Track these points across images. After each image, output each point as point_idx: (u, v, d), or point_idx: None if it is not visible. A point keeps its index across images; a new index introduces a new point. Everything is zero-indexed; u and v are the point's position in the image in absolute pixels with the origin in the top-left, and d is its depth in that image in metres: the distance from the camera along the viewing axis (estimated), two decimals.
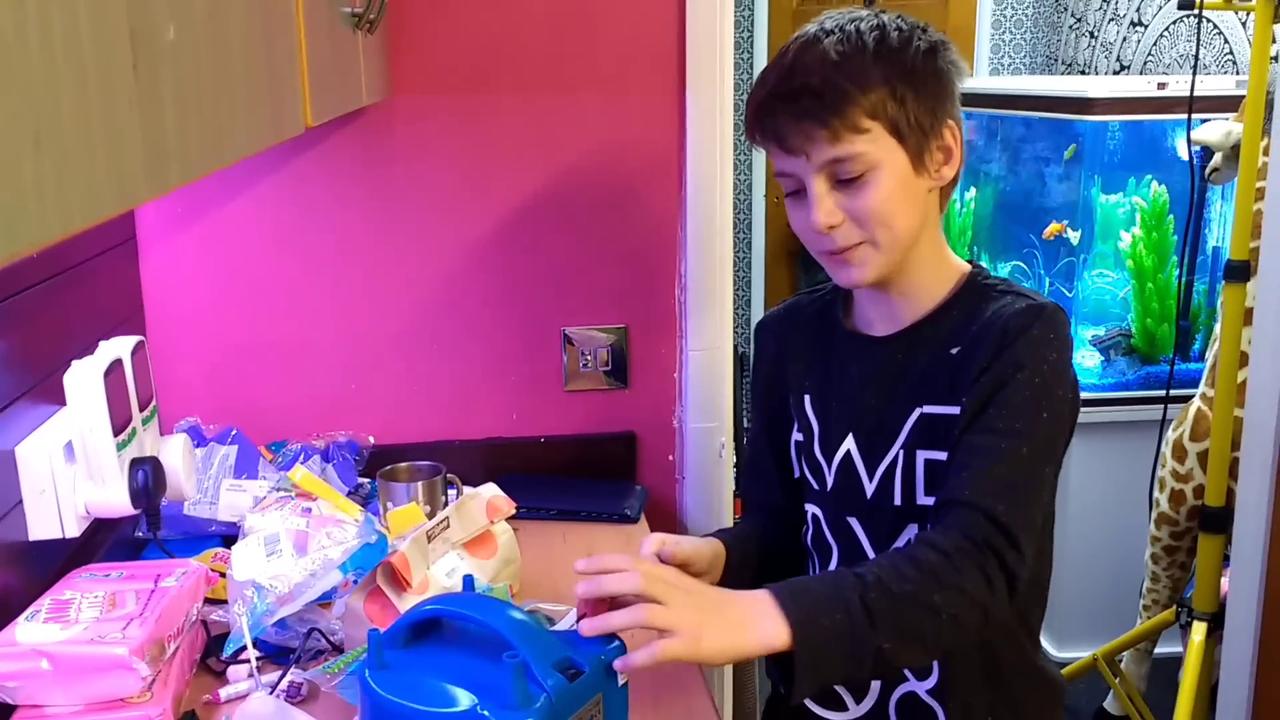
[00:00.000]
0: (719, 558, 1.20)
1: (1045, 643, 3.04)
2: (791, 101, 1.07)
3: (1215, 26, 2.92)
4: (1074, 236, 2.99)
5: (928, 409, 1.12)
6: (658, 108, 1.79)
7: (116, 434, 1.26)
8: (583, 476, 1.86)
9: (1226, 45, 2.89)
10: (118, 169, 0.48)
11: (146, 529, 1.43)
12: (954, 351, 1.11)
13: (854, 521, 1.19)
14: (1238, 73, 2.74)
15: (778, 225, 4.75)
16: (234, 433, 1.66)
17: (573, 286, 1.83)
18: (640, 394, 1.88)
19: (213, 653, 1.31)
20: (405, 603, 1.30)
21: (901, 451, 1.14)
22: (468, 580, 1.07)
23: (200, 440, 1.64)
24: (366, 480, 1.73)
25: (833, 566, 1.22)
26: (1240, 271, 2.31)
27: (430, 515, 1.47)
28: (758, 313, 4.87)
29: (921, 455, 1.13)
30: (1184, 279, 2.66)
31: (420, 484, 1.60)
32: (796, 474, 1.27)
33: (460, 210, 1.79)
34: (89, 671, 1.09)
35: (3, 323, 1.24)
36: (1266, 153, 2.15)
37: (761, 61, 4.64)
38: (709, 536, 1.24)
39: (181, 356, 1.77)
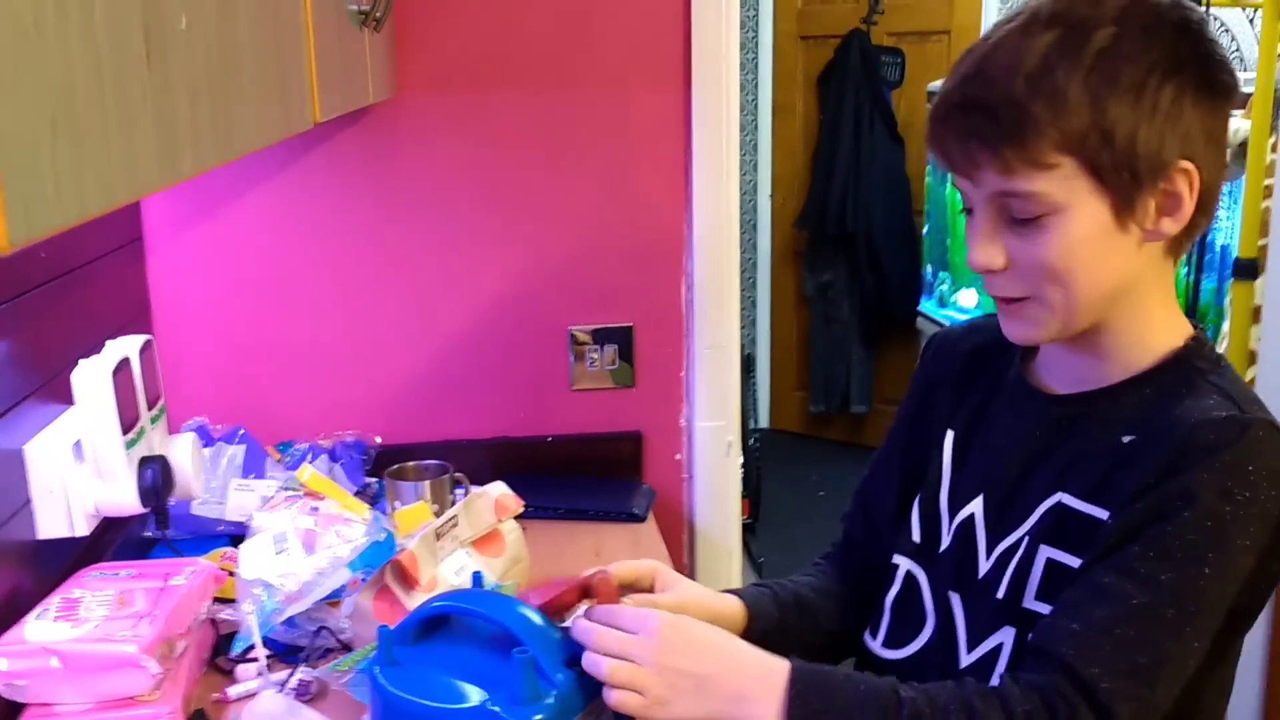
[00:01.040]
0: (720, 617, 1.02)
1: None
2: (963, 113, 0.87)
3: (1223, 24, 2.92)
4: None
5: (1067, 500, 0.91)
6: (663, 105, 1.79)
7: (125, 433, 1.26)
8: (589, 476, 1.86)
9: (1234, 43, 2.89)
10: (132, 157, 0.48)
11: (155, 528, 1.43)
12: (1125, 440, 0.90)
13: (956, 599, 1.00)
14: (1245, 70, 2.74)
15: (783, 227, 4.74)
16: (241, 432, 1.66)
17: (579, 285, 1.83)
18: (647, 393, 1.88)
19: (221, 651, 1.31)
20: (414, 601, 1.30)
21: (1027, 538, 0.93)
22: (477, 577, 1.07)
23: (208, 440, 1.64)
24: (374, 480, 1.73)
25: (917, 646, 1.03)
26: (1248, 269, 2.31)
27: (438, 514, 1.47)
28: (764, 315, 4.86)
29: (1045, 552, 0.92)
30: (1192, 277, 2.66)
31: (428, 483, 1.60)
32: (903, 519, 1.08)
33: (466, 208, 1.79)
34: (99, 670, 1.09)
35: (10, 322, 1.25)
36: (1275, 150, 2.15)
37: (766, 60, 4.64)
38: (756, 588, 1.10)
39: (189, 357, 1.77)
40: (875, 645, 1.07)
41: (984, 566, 0.98)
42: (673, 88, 1.79)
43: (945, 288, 3.88)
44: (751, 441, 3.49)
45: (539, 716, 0.88)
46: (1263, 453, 0.84)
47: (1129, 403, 0.92)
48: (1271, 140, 2.22)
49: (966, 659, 0.97)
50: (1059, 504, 0.92)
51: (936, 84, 3.86)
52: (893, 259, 4.40)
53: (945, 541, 1.02)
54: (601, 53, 1.77)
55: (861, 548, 1.15)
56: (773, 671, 0.88)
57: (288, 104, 0.84)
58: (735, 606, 1.06)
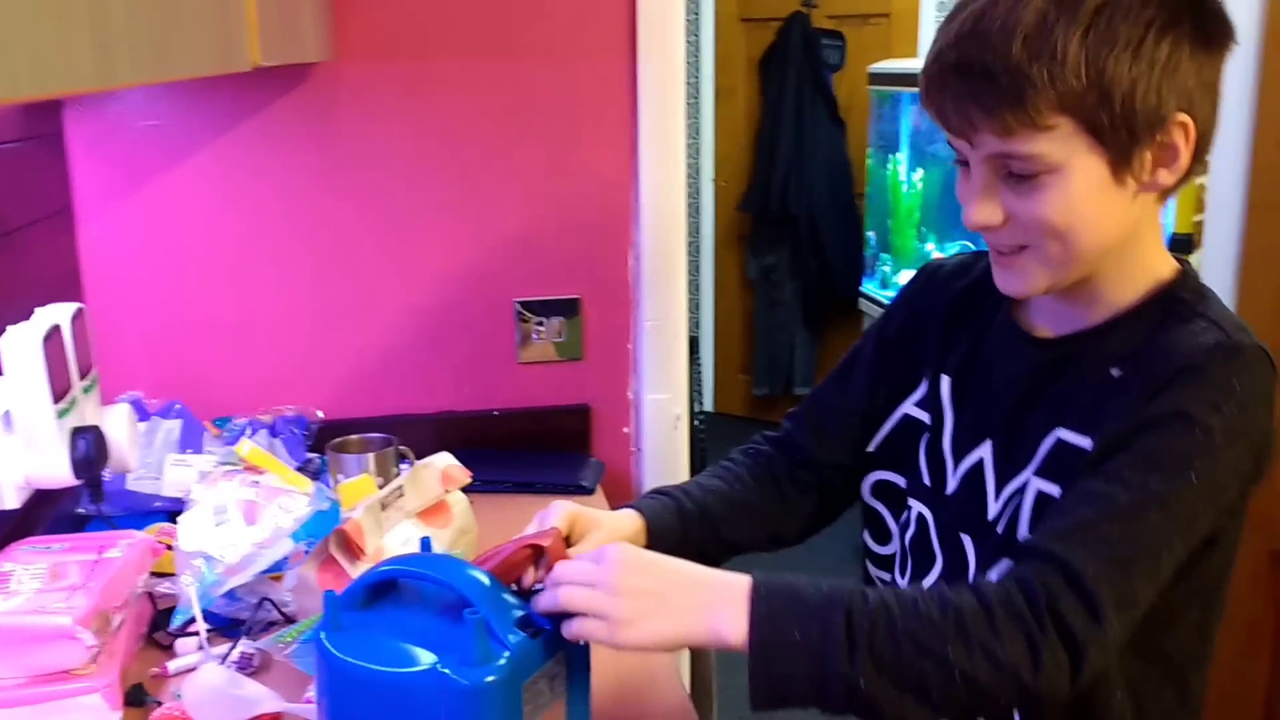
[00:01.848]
0: (621, 533, 1.04)
1: None
2: (960, 75, 0.86)
3: None
4: None
5: (1064, 434, 0.93)
6: (609, 75, 1.77)
7: (56, 401, 1.21)
8: (537, 449, 1.84)
9: None
10: (65, 47, 0.46)
11: (89, 502, 1.39)
12: (1114, 373, 0.91)
13: (967, 539, 1.01)
14: None
15: (726, 210, 4.75)
16: (177, 407, 1.62)
17: (525, 257, 1.81)
18: (594, 366, 1.87)
19: (160, 626, 1.27)
20: (359, 571, 1.27)
21: (1033, 476, 0.95)
22: (425, 542, 1.05)
23: (143, 415, 1.59)
24: (316, 455, 1.70)
25: (929, 582, 1.04)
26: (1184, 244, 2.35)
27: (383, 488, 1.44)
28: (708, 298, 4.87)
29: (1036, 484, 0.94)
30: None
31: (372, 456, 1.57)
32: (875, 448, 1.11)
33: (409, 180, 1.76)
34: (32, 642, 1.06)
35: None
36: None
37: (708, 43, 4.64)
38: (657, 499, 1.11)
39: (123, 329, 1.72)
40: (901, 581, 1.09)
41: (993, 509, 0.99)
42: (618, 58, 1.77)
43: (887, 269, 3.91)
44: (696, 424, 3.49)
45: (491, 677, 0.87)
46: (1250, 373, 0.86)
47: (1117, 339, 0.94)
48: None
49: None
50: (1058, 440, 0.94)
51: (877, 65, 3.90)
52: (835, 241, 4.43)
53: (952, 485, 1.03)
54: (547, 22, 1.74)
55: (802, 451, 1.16)
56: (734, 581, 0.87)
57: (226, 40, 0.81)
58: (636, 524, 1.07)
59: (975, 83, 0.85)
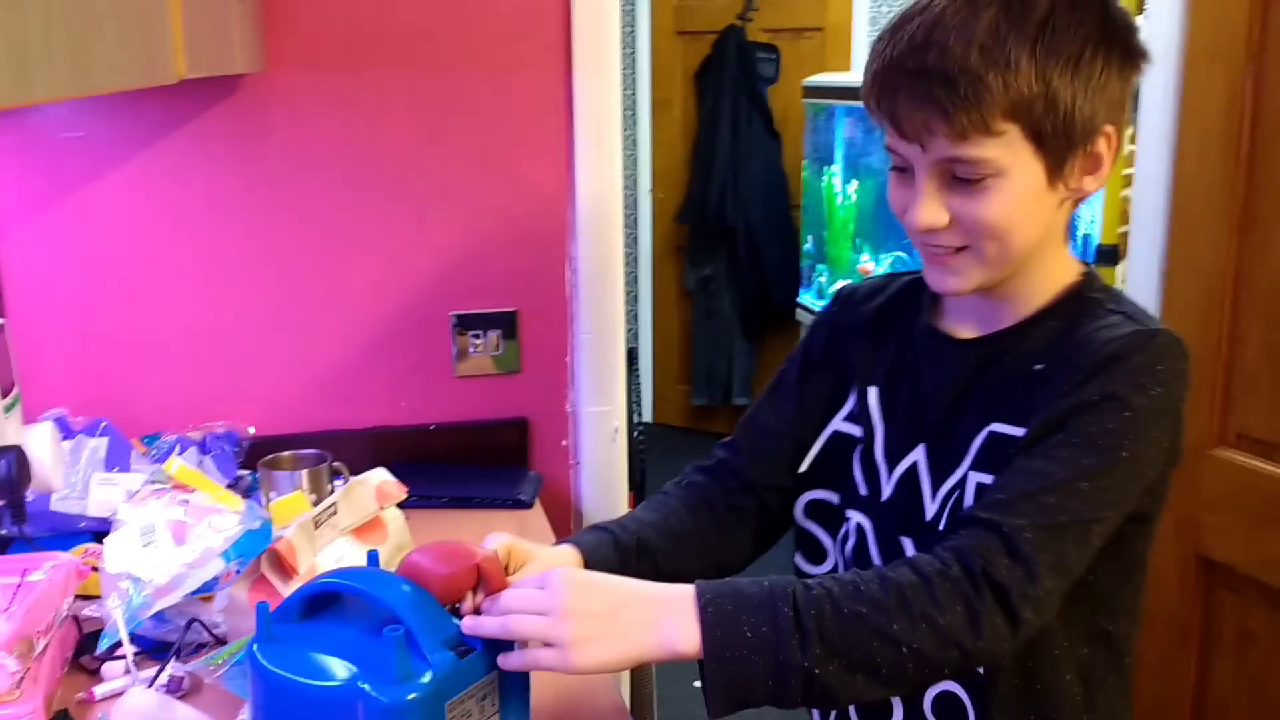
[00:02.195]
0: (557, 564, 1.02)
1: None
2: (917, 80, 0.89)
3: None
4: None
5: (997, 427, 0.97)
6: (545, 87, 1.77)
7: None
8: (475, 463, 1.83)
9: None
10: None
11: (11, 524, 1.35)
12: (1037, 368, 0.96)
13: (907, 541, 1.03)
14: None
15: (664, 222, 4.77)
16: (104, 425, 1.58)
17: (461, 269, 1.80)
18: (532, 379, 1.86)
19: (86, 650, 1.24)
20: (291, 590, 1.25)
21: (970, 471, 0.98)
22: (372, 556, 1.04)
23: (67, 432, 1.55)
24: (247, 473, 1.67)
25: None
26: (1110, 255, 2.41)
27: (316, 505, 1.42)
28: (646, 309, 4.88)
29: (973, 478, 0.97)
30: None
31: (305, 472, 1.55)
32: (807, 467, 1.13)
33: (342, 192, 1.74)
34: None
35: None
36: (1132, 141, 2.24)
37: (644, 55, 4.65)
38: (595, 533, 1.10)
39: (45, 345, 1.68)
40: None
41: (931, 509, 1.02)
42: (555, 70, 1.77)
43: (824, 279, 3.95)
44: (635, 435, 3.49)
45: (411, 695, 0.86)
46: (1168, 354, 0.92)
47: (1036, 335, 0.99)
48: (1130, 131, 2.31)
49: None
50: (991, 433, 0.98)
51: (811, 79, 3.94)
52: (771, 252, 4.46)
53: (887, 492, 1.06)
54: (482, 33, 1.74)
55: (737, 476, 1.16)
56: (679, 592, 0.88)
57: (151, 52, 0.80)
58: (573, 558, 1.06)
59: (934, 88, 0.88)
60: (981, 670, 0.96)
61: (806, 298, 4.01)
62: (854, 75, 4.19)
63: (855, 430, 1.10)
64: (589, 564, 1.05)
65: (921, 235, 0.96)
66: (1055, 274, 1.00)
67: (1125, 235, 2.26)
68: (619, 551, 1.09)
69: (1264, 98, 1.64)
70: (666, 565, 1.11)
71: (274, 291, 1.75)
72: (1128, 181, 2.34)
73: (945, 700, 1.02)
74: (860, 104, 3.33)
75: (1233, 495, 1.70)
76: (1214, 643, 1.75)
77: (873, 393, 1.09)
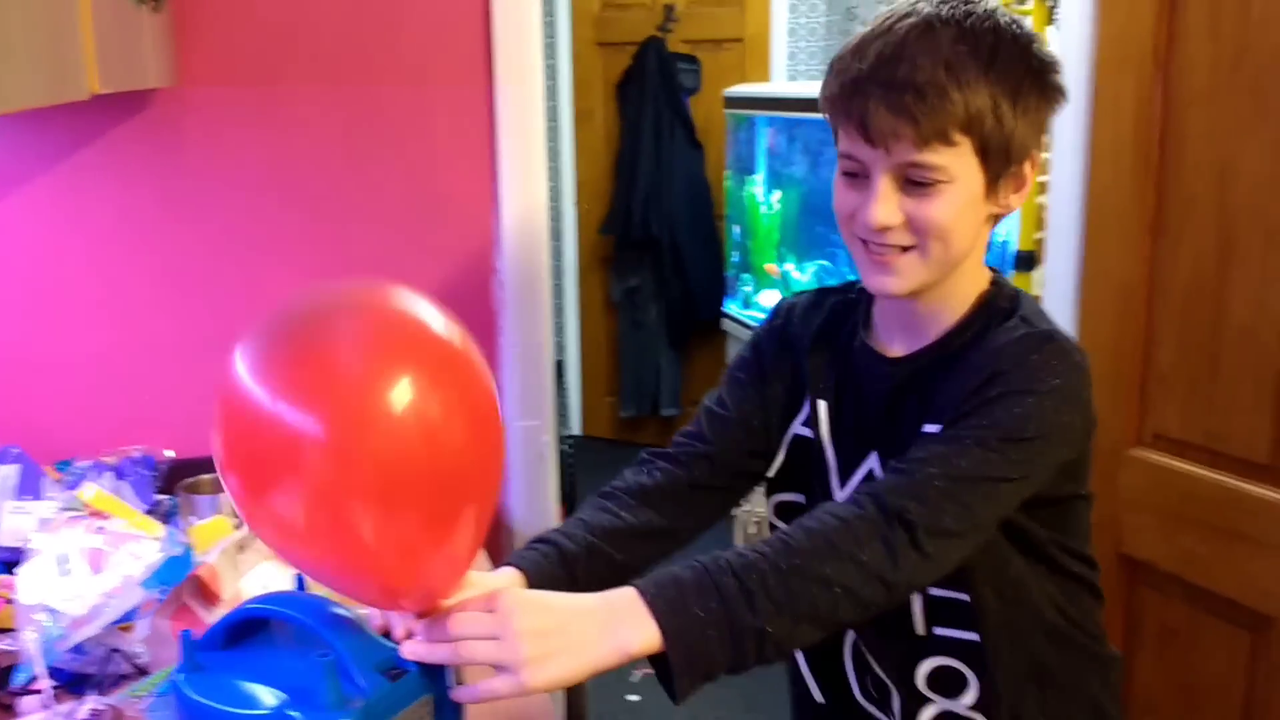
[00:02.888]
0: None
1: None
2: (889, 90, 0.98)
3: None
4: None
5: (926, 427, 1.05)
6: (467, 100, 1.76)
7: None
8: None
9: None
10: None
11: None
12: (954, 374, 1.05)
13: None
14: None
15: (588, 234, 4.76)
16: (15, 451, 1.53)
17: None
18: None
19: (1, 686, 1.19)
20: (215, 617, 1.22)
21: None
22: (299, 579, 1.01)
23: None
24: (166, 497, 1.63)
25: None
26: (1027, 260, 2.45)
27: (239, 529, 1.39)
28: (572, 322, 4.87)
29: None
30: None
31: (226, 495, 1.51)
32: (774, 473, 1.20)
33: (260, 207, 1.71)
34: None
35: None
36: (1047, 149, 2.29)
37: (565, 67, 4.66)
38: (537, 550, 1.10)
39: None
40: None
41: None
42: (476, 83, 1.76)
43: (749, 289, 3.97)
44: (565, 448, 3.48)
45: None
46: (1060, 352, 1.02)
47: (952, 347, 1.08)
48: (1044, 139, 2.36)
49: None
50: (922, 434, 1.05)
51: (732, 89, 3.97)
52: (696, 262, 4.48)
53: (848, 494, 1.12)
54: (401, 46, 1.72)
55: (710, 460, 1.19)
56: (622, 596, 0.90)
57: (62, 69, 0.77)
58: (514, 579, 1.05)
59: (906, 97, 0.98)
60: (977, 636, 1.07)
61: (732, 307, 4.03)
62: (774, 85, 4.23)
63: (808, 434, 1.17)
64: (533, 584, 1.05)
65: (873, 235, 1.03)
66: (972, 286, 1.09)
67: (1042, 241, 2.31)
68: (565, 565, 1.09)
69: (1172, 105, 1.69)
70: (626, 559, 1.12)
71: (190, 309, 1.71)
72: (1043, 188, 2.40)
73: (942, 674, 1.10)
74: (781, 113, 3.36)
75: (1151, 494, 1.74)
76: (1137, 640, 1.79)
77: (822, 405, 1.16)
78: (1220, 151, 1.62)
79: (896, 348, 1.12)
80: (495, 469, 0.93)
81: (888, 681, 1.15)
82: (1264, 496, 1.58)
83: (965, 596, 1.07)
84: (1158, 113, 1.71)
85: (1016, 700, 1.10)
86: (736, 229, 4.05)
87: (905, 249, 1.03)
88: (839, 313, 1.19)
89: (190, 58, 1.63)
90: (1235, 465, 1.64)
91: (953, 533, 0.96)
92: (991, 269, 1.12)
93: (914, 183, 1.01)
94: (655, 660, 0.90)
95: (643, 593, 0.90)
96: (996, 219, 1.07)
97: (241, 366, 0.87)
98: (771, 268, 3.33)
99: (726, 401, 1.22)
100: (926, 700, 1.12)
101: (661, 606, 0.89)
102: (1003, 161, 1.01)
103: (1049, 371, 1.00)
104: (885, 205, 1.01)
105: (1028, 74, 1.01)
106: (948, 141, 0.98)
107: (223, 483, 0.89)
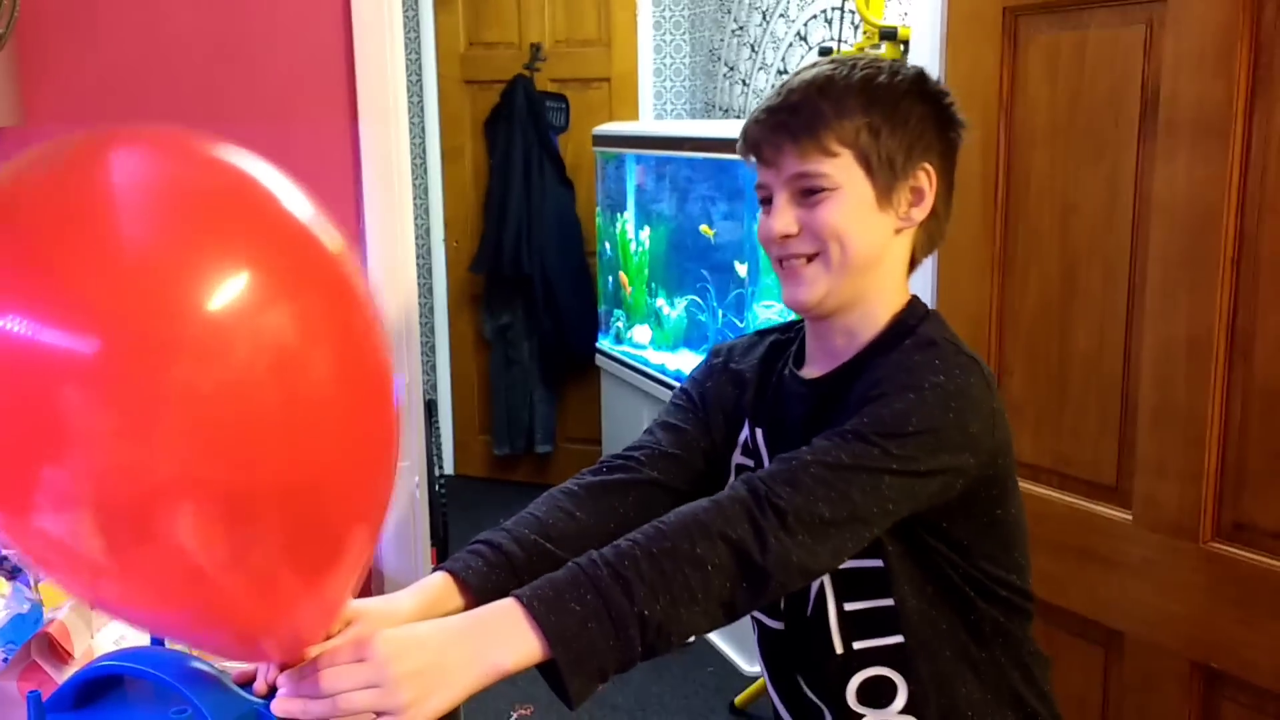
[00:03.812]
0: (435, 606, 1.06)
1: (738, 658, 3.17)
2: (772, 115, 1.12)
3: None
4: (741, 269, 3.18)
5: None
6: (329, 138, 1.74)
7: None
8: None
9: None
10: None
11: None
12: (858, 392, 1.09)
13: None
14: None
15: (458, 271, 4.74)
16: None
17: None
18: None
19: None
20: (66, 677, 1.16)
21: None
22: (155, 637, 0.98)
23: None
24: (11, 552, 1.55)
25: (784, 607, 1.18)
26: None
27: None
28: (443, 359, 4.83)
29: None
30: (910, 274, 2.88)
31: None
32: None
33: None
34: None
35: None
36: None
37: (432, 104, 4.65)
38: (475, 554, 1.10)
39: None
40: (764, 619, 1.21)
41: None
42: (339, 120, 1.74)
43: (620, 324, 4.00)
44: (437, 488, 3.43)
45: None
46: (946, 355, 1.08)
47: (862, 364, 1.13)
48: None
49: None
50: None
51: (601, 128, 4.01)
52: (569, 299, 4.49)
53: None
54: (261, 83, 1.69)
55: (678, 453, 1.24)
56: (498, 610, 0.91)
57: None
58: (443, 586, 1.07)
59: (784, 118, 1.11)
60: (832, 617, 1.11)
61: (605, 343, 4.06)
62: (642, 124, 4.30)
63: (749, 462, 1.22)
64: (473, 593, 1.07)
65: (780, 248, 1.12)
66: (885, 308, 1.15)
67: None
68: (511, 571, 1.10)
69: (1015, 146, 1.78)
70: (583, 545, 1.10)
71: None
72: None
73: (870, 685, 1.13)
74: (648, 151, 3.43)
75: None
76: None
77: (759, 433, 1.22)
78: (1061, 189, 1.71)
79: (816, 371, 1.18)
80: (385, 453, 0.78)
81: (819, 703, 1.17)
82: (1112, 516, 1.66)
83: (885, 602, 1.11)
84: (1003, 152, 1.79)
85: (946, 697, 1.13)
86: (609, 277, 4.09)
87: (810, 259, 1.11)
88: (777, 348, 1.26)
89: (36, 97, 1.57)
90: (1084, 487, 1.72)
91: (827, 520, 0.99)
92: (912, 294, 1.18)
93: (805, 192, 1.10)
94: (545, 670, 0.91)
95: (519, 599, 0.91)
96: (921, 242, 1.16)
97: None
98: (706, 229, 3.32)
99: (673, 420, 1.27)
100: (858, 716, 1.14)
101: (538, 608, 0.90)
102: (889, 174, 1.10)
103: (930, 370, 1.05)
104: (782, 216, 1.11)
105: (908, 94, 1.12)
106: (827, 152, 1.09)
107: None
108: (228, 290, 0.57)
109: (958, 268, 1.89)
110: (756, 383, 1.25)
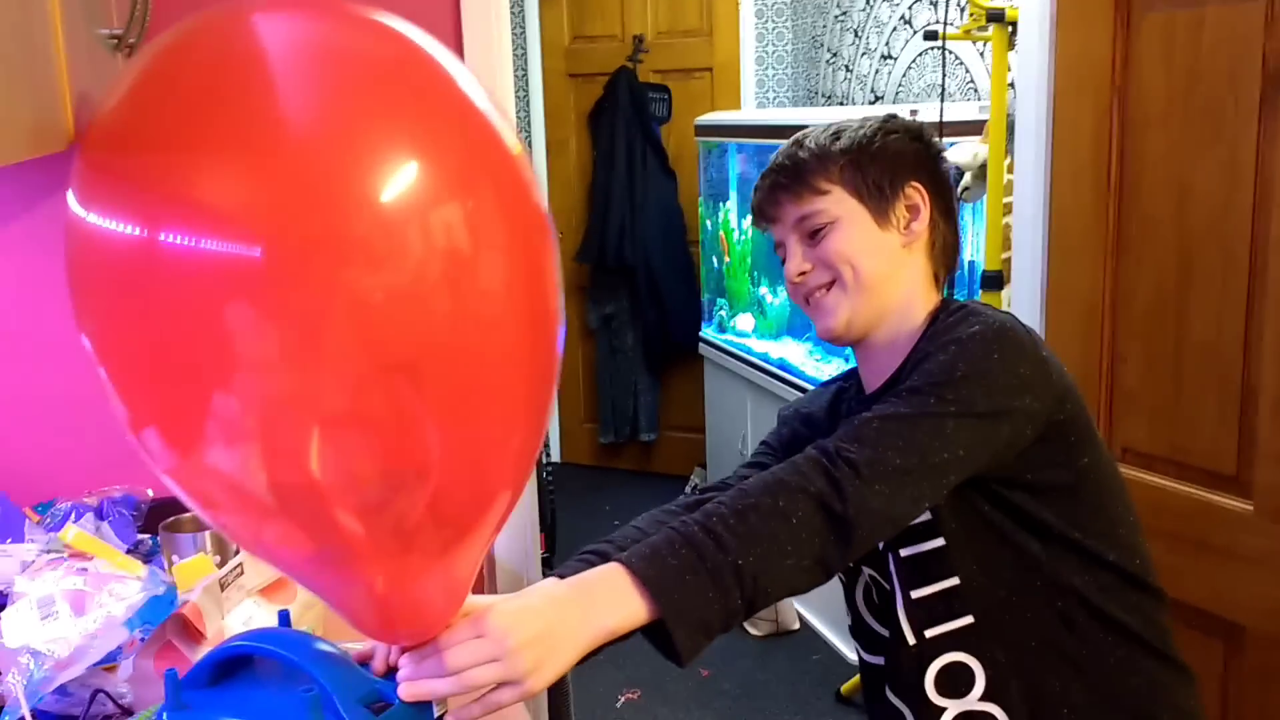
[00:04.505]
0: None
1: (844, 647, 3.15)
2: (766, 181, 1.24)
3: (957, 57, 3.14)
4: None
5: None
6: None
7: None
8: None
9: (968, 74, 3.12)
10: None
11: None
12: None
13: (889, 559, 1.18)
14: (979, 99, 2.96)
15: (565, 260, 4.69)
16: None
17: None
18: None
19: None
20: (199, 655, 1.22)
21: None
22: (283, 615, 1.02)
23: None
24: (147, 537, 1.63)
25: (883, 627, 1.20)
26: (995, 281, 2.49)
27: (221, 566, 1.40)
28: None
29: None
30: (946, 293, 2.84)
31: (207, 533, 1.52)
32: None
33: None
34: None
35: None
36: (1010, 171, 2.33)
37: (537, 98, 4.70)
38: (579, 559, 1.14)
39: None
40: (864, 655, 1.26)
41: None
42: None
43: (724, 313, 4.00)
44: (544, 476, 3.49)
45: None
46: (977, 312, 1.13)
47: (909, 366, 1.15)
48: (1007, 162, 2.41)
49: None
50: None
51: (703, 118, 4.01)
52: (672, 288, 4.51)
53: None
54: None
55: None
56: (602, 571, 0.96)
57: (40, 121, 0.78)
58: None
59: (777, 179, 1.23)
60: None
61: (708, 332, 4.06)
62: (744, 113, 4.28)
63: None
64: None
65: (800, 286, 1.21)
66: (920, 313, 1.21)
67: (1009, 262, 2.35)
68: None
69: (1129, 128, 1.73)
70: None
71: None
72: (1009, 209, 2.44)
73: (947, 674, 1.13)
74: (750, 140, 3.42)
75: None
76: None
77: None
78: (1177, 173, 1.66)
79: (874, 386, 1.23)
80: (543, 396, 0.76)
81: (899, 704, 1.18)
82: (1231, 507, 1.62)
83: (951, 582, 1.12)
84: (1115, 136, 1.75)
85: (1031, 686, 1.11)
86: (714, 258, 4.09)
87: (827, 287, 1.20)
88: (842, 391, 1.34)
89: None
90: (1202, 477, 1.67)
91: (899, 467, 1.03)
92: (946, 297, 1.24)
93: (811, 233, 1.20)
94: (650, 633, 0.96)
95: (619, 560, 0.96)
96: (936, 254, 1.23)
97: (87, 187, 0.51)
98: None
99: (759, 459, 1.32)
100: (939, 710, 1.14)
101: (638, 565, 0.95)
102: (879, 197, 1.20)
103: (966, 325, 1.10)
104: (795, 258, 1.21)
105: (879, 130, 1.22)
106: (818, 191, 1.20)
107: (136, 439, 0.57)
108: (399, 183, 0.49)
109: (1070, 255, 1.85)
110: (826, 419, 1.31)
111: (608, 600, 0.94)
